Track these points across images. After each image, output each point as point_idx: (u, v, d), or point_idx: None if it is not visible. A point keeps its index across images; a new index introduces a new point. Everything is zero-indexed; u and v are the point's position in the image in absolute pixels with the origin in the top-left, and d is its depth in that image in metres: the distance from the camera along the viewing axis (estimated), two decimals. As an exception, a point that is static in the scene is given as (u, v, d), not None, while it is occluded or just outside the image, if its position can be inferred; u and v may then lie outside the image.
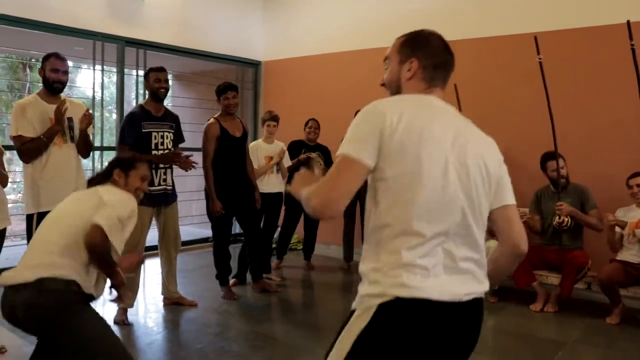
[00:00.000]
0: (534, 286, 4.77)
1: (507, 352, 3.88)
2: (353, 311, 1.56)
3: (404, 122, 1.51)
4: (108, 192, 2.55)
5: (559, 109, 4.69)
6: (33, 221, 3.66)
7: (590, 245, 4.81)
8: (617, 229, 4.42)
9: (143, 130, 4.18)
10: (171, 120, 4.41)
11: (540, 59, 4.51)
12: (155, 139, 4.21)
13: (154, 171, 4.16)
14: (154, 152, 4.20)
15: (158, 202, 4.26)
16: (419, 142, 1.50)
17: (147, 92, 4.41)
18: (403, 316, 1.47)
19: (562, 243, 4.70)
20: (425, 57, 1.67)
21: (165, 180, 4.28)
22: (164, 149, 4.26)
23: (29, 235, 3.66)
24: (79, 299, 2.31)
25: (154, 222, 4.39)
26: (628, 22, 4.11)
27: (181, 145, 4.64)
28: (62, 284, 2.24)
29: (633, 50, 4.10)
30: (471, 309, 1.57)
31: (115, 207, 2.45)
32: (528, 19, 5.34)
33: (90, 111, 3.95)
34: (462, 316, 1.55)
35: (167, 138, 4.29)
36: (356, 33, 6.61)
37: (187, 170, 4.36)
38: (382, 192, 1.51)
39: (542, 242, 4.89)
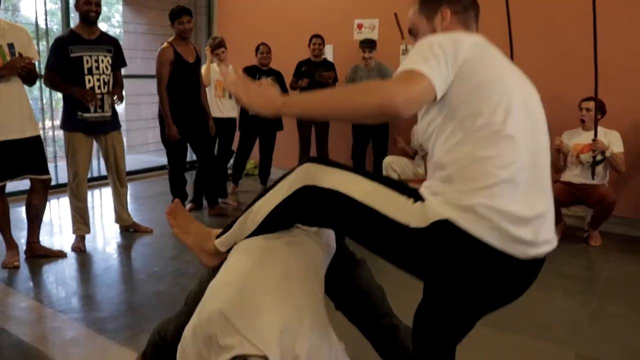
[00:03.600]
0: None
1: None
2: None
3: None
4: None
5: (520, 34, 4.72)
6: None
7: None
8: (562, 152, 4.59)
9: (71, 55, 3.98)
10: (109, 43, 4.19)
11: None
12: (87, 63, 4.01)
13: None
14: (87, 76, 4.00)
15: (95, 130, 4.15)
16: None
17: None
18: None
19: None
20: (451, 2, 1.64)
21: (102, 107, 4.09)
22: (99, 74, 4.06)
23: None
24: None
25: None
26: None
27: (134, 72, 4.51)
28: None
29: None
30: None
31: None
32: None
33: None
34: None
35: (102, 62, 4.08)
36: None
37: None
38: None
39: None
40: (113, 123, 4.27)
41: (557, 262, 4.13)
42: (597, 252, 4.40)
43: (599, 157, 4.39)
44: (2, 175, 3.61)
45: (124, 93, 4.38)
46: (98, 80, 4.07)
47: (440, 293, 1.54)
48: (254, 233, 1.77)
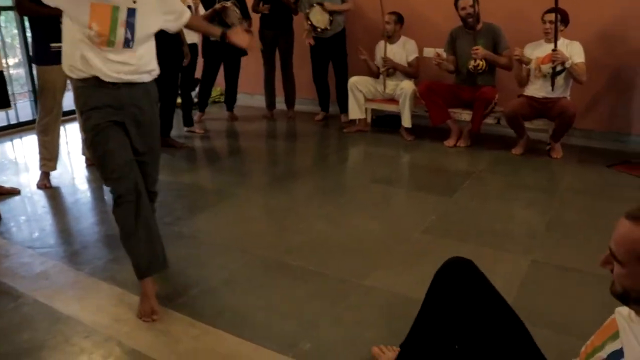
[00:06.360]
0: (448, 123, 5.01)
1: (421, 183, 4.17)
2: None
3: None
4: None
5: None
6: None
7: (502, 84, 5.01)
8: (523, 65, 4.59)
9: None
10: None
11: None
12: None
13: None
14: None
15: None
16: None
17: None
18: None
19: (476, 83, 4.87)
20: None
21: None
22: None
23: None
24: None
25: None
26: None
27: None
28: None
29: None
30: None
31: None
32: None
33: None
34: None
35: None
36: None
37: None
38: None
39: (457, 81, 5.04)
40: None
41: (519, 174, 4.24)
42: (558, 164, 4.50)
43: (558, 68, 4.40)
44: None
45: None
46: None
47: None
48: None
